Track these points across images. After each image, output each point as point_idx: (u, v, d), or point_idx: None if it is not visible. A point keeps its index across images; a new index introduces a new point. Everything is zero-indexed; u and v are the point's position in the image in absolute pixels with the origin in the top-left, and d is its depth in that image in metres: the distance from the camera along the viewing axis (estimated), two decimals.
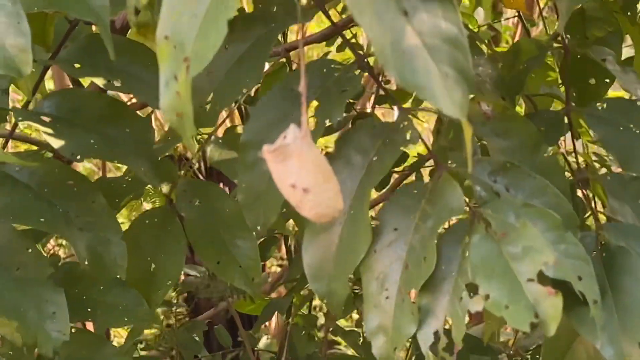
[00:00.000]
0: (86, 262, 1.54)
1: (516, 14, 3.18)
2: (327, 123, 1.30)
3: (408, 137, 1.29)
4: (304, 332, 2.77)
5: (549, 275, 1.15)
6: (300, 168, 1.01)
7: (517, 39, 3.51)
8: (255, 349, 3.09)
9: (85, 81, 1.96)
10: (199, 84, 1.41)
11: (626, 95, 1.70)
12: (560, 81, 1.96)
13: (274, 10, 1.41)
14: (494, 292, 1.15)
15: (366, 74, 1.38)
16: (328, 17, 1.38)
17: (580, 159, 1.57)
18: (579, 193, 1.54)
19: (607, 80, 1.87)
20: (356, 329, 3.15)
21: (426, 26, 0.99)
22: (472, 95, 1.39)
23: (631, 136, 1.47)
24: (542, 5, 2.91)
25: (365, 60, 1.35)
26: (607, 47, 1.81)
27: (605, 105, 1.50)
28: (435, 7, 1.00)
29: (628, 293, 1.29)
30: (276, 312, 3.02)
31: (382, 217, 1.29)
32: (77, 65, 1.60)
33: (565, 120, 1.56)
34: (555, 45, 1.75)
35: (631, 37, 1.97)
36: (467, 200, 1.25)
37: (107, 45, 1.20)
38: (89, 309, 1.64)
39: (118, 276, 1.58)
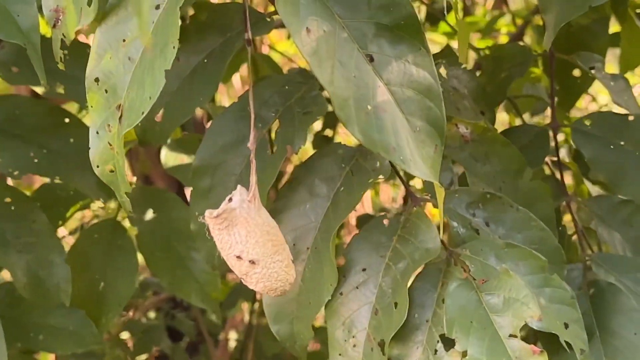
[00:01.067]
0: (25, 288, 1.42)
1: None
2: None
3: (378, 165, 1.16)
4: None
5: (534, 327, 1.04)
6: (247, 237, 0.90)
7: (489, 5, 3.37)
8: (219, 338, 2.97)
9: None
10: None
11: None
12: (543, 72, 1.84)
13: (230, 18, 1.27)
14: (472, 348, 1.05)
15: None
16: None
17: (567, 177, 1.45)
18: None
19: (593, 72, 1.75)
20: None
21: (395, 74, 0.88)
22: (448, 116, 1.28)
23: (622, 155, 1.35)
24: None
25: None
26: (592, 35, 1.70)
27: (593, 121, 1.37)
28: (405, 50, 0.89)
29: (618, 335, 1.20)
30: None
31: (350, 254, 1.17)
32: (14, 70, 1.46)
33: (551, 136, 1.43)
34: (539, 52, 1.61)
35: (620, 23, 1.85)
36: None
37: (37, 70, 1.07)
38: (31, 334, 1.51)
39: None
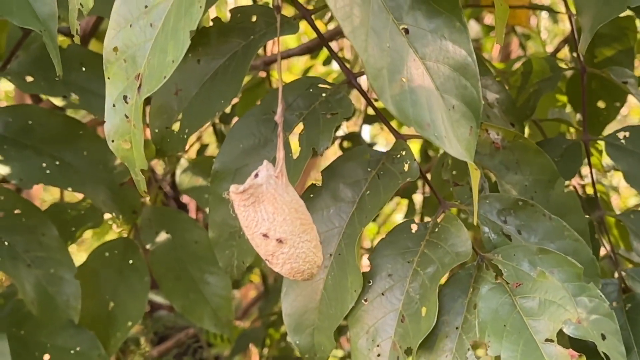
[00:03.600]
0: (34, 304, 1.36)
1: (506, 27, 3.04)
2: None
3: (406, 168, 1.11)
4: None
5: (569, 334, 0.99)
6: (274, 214, 0.84)
7: (496, 54, 3.35)
8: None
9: None
10: (166, 103, 1.25)
11: None
12: (569, 102, 1.80)
13: (254, 20, 1.23)
14: (505, 353, 0.99)
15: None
16: (314, 27, 1.20)
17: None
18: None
19: (617, 104, 1.71)
20: None
21: (431, 48, 0.83)
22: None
23: None
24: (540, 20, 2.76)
25: (355, 77, 1.18)
26: (618, 65, 1.66)
27: (627, 134, 1.33)
28: (441, 25, 0.84)
29: None
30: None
31: (375, 260, 1.11)
32: (29, 79, 1.42)
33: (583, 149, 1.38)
34: (568, 66, 1.58)
35: None
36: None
37: (54, 59, 1.03)
38: (37, 353, 1.45)
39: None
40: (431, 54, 0.84)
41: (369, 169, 1.14)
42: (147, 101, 0.87)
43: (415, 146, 2.59)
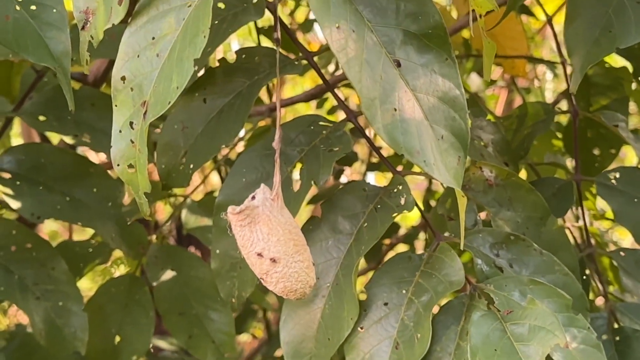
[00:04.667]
0: (42, 335, 1.40)
1: (507, 80, 3.09)
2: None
3: (402, 202, 1.15)
4: None
5: (557, 359, 1.01)
6: (269, 234, 0.89)
7: (501, 107, 3.39)
8: None
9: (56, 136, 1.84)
10: (172, 140, 1.29)
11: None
12: (564, 150, 1.84)
13: (258, 61, 1.28)
14: None
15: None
16: (316, 68, 1.25)
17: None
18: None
19: (613, 151, 1.76)
20: None
21: (421, 81, 0.88)
22: (472, 159, 1.28)
23: None
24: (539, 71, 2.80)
25: (355, 116, 1.22)
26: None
27: (618, 175, 1.37)
28: (431, 60, 0.89)
29: None
30: None
31: (371, 290, 1.15)
32: (41, 118, 1.48)
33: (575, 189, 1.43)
34: (562, 109, 1.63)
35: (635, 103, 1.86)
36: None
37: (66, 94, 1.07)
38: None
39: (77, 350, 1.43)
40: (422, 86, 0.89)
41: (367, 203, 1.18)
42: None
43: (417, 195, 2.64)
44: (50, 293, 1.43)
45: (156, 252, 1.64)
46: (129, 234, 1.52)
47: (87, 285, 2.82)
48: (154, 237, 1.73)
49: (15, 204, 1.42)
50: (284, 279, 0.90)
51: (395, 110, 0.87)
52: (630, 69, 1.72)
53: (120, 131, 0.90)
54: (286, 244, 0.90)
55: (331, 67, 2.65)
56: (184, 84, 0.84)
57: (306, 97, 1.90)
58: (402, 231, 2.77)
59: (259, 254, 0.89)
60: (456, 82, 0.90)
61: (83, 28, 0.93)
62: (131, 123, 0.88)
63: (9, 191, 1.43)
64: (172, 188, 1.35)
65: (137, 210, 1.69)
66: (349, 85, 1.98)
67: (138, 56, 0.89)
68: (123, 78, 0.89)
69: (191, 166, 1.29)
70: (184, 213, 1.76)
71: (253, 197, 0.91)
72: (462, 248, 1.08)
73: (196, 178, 3.19)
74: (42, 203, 1.43)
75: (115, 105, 0.90)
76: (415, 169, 1.96)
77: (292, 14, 2.86)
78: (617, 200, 1.36)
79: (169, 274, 1.62)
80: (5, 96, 1.57)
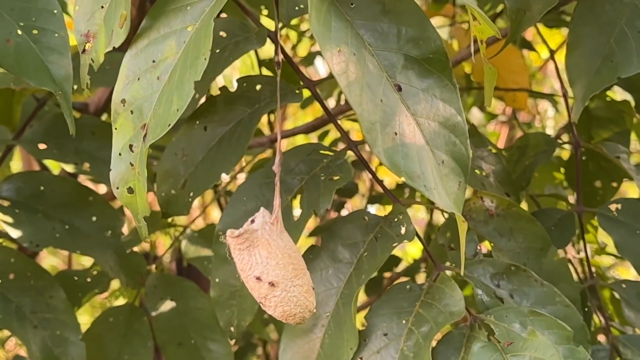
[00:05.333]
0: None
1: (509, 116, 3.09)
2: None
3: (403, 231, 1.15)
4: None
5: None
6: (267, 258, 0.89)
7: (502, 144, 3.39)
8: None
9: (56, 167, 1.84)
10: (173, 168, 1.30)
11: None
12: (565, 183, 1.84)
13: (259, 89, 1.28)
14: None
15: None
16: (317, 97, 1.25)
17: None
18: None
19: (614, 184, 1.75)
20: None
21: (422, 106, 0.88)
22: (473, 189, 1.28)
23: None
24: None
25: (356, 145, 1.22)
26: None
27: (620, 207, 1.37)
28: (432, 85, 0.89)
29: None
30: None
31: (371, 320, 1.14)
32: (41, 146, 1.47)
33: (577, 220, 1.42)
34: (564, 140, 1.63)
35: (638, 136, 1.86)
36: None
37: (67, 118, 1.07)
38: None
39: None
40: (422, 111, 0.88)
41: (368, 232, 1.17)
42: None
43: (418, 230, 2.63)
44: (48, 322, 1.42)
45: (155, 282, 1.64)
46: (128, 263, 1.52)
47: (86, 320, 2.81)
48: (153, 267, 1.72)
49: (14, 232, 1.42)
50: (283, 303, 0.90)
51: (396, 134, 0.86)
52: (632, 102, 1.72)
53: (119, 154, 0.89)
54: (285, 268, 0.89)
55: (331, 102, 2.65)
56: (185, 106, 0.83)
57: (307, 129, 1.90)
58: (404, 265, 2.76)
59: (258, 278, 0.89)
60: (457, 107, 0.90)
61: (84, 51, 0.93)
62: (131, 146, 0.88)
63: (8, 219, 1.43)
64: (172, 216, 1.35)
65: (136, 241, 1.70)
66: (350, 116, 1.98)
67: (138, 79, 0.89)
68: (123, 101, 0.89)
69: (191, 194, 1.29)
70: (184, 243, 1.75)
71: (252, 221, 0.91)
72: (462, 273, 1.07)
73: (196, 209, 3.19)
74: (41, 231, 1.43)
75: (115, 128, 0.90)
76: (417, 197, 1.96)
77: (294, 47, 2.87)
78: (618, 232, 1.35)
79: (168, 304, 1.61)
80: (6, 125, 1.56)
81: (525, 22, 1.16)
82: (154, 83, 0.88)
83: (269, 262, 0.89)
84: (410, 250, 3.77)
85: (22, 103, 1.61)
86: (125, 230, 1.54)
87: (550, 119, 3.38)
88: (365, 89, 0.85)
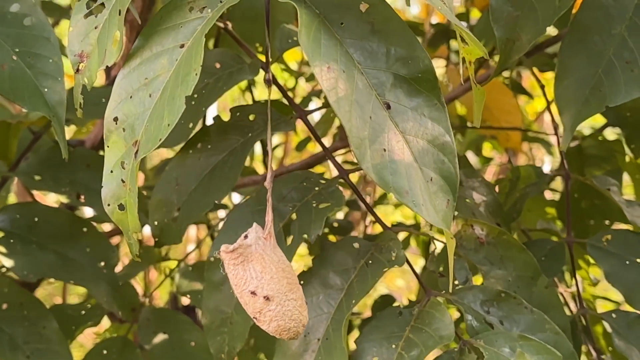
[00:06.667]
0: None
1: (504, 165, 3.11)
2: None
3: (393, 257, 1.16)
4: None
5: None
6: (262, 273, 0.89)
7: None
8: None
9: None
10: (166, 197, 1.31)
11: None
12: (559, 222, 1.85)
13: (252, 119, 1.30)
14: None
15: None
16: (310, 127, 1.26)
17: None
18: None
19: (607, 222, 1.76)
20: None
21: (411, 124, 0.89)
22: (464, 218, 1.29)
23: (638, 272, 1.34)
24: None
25: (347, 173, 1.23)
26: None
27: (610, 237, 1.37)
28: (421, 104, 0.90)
29: None
30: None
31: (361, 345, 1.15)
32: (37, 178, 1.49)
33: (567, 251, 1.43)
34: (554, 172, 1.64)
35: (630, 175, 1.88)
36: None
37: (60, 142, 1.09)
38: None
39: None
40: (411, 129, 0.89)
41: (359, 258, 1.18)
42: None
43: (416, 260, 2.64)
44: (40, 352, 1.42)
45: (149, 315, 1.64)
46: (121, 295, 1.52)
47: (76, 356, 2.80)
48: (146, 300, 1.73)
49: (8, 262, 1.42)
50: (278, 318, 0.90)
51: (385, 150, 0.87)
52: (623, 139, 1.73)
53: (111, 171, 0.90)
54: (280, 282, 0.90)
55: (326, 141, 2.67)
56: (175, 121, 0.84)
57: (302, 166, 1.91)
58: None
59: (253, 292, 0.89)
60: (445, 126, 0.91)
61: (77, 71, 0.95)
62: (122, 163, 0.89)
63: (2, 249, 1.43)
64: (166, 245, 1.35)
65: (130, 274, 1.70)
66: (345, 154, 1.99)
67: (131, 97, 0.90)
68: (115, 119, 0.90)
69: (184, 223, 1.30)
70: (177, 277, 1.76)
71: (246, 236, 0.91)
72: (450, 290, 1.08)
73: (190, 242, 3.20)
74: (35, 262, 1.43)
75: (107, 146, 0.91)
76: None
77: (290, 90, 2.89)
78: (608, 262, 1.36)
79: (160, 337, 1.61)
80: (3, 159, 1.57)
81: (515, 51, 1.17)
82: (146, 101, 0.88)
83: (264, 277, 0.89)
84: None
85: (18, 137, 1.62)
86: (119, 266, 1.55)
87: (547, 164, 3.39)
88: (354, 105, 0.86)
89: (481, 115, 0.99)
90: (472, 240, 1.24)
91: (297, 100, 2.81)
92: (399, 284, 4.92)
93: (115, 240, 2.19)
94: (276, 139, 3.18)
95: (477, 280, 1.26)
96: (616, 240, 1.38)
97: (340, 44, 0.89)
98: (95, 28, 0.94)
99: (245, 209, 1.24)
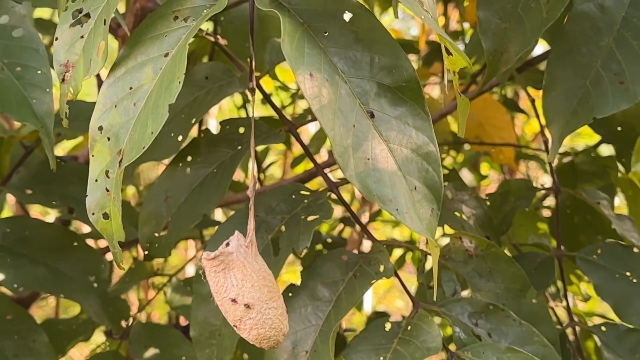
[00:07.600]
0: None
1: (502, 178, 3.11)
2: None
3: (381, 269, 1.16)
4: None
5: None
6: (243, 280, 0.89)
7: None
8: None
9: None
10: (155, 210, 1.31)
11: None
12: (550, 233, 1.85)
13: (242, 132, 1.30)
14: None
15: None
16: (299, 140, 1.27)
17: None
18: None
19: (599, 237, 1.76)
20: None
21: (395, 133, 0.89)
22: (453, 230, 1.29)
23: (627, 285, 1.35)
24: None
25: (337, 186, 1.23)
26: None
27: (599, 251, 1.38)
28: (405, 113, 0.90)
29: None
30: None
31: (349, 356, 1.15)
32: (28, 191, 1.49)
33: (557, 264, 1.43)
34: (544, 186, 1.64)
35: (623, 191, 1.88)
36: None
37: (48, 153, 1.09)
38: None
39: None
40: (395, 138, 0.89)
41: (347, 270, 1.18)
42: None
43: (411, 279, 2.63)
44: None
45: (140, 330, 1.64)
46: (112, 309, 1.52)
47: None
48: (140, 316, 1.73)
49: None
50: (258, 326, 0.90)
51: (369, 159, 0.87)
52: (614, 153, 1.74)
53: (96, 180, 0.90)
54: (260, 290, 0.89)
55: (321, 157, 2.67)
56: (159, 129, 0.84)
57: (295, 182, 1.91)
58: None
59: (233, 300, 0.89)
60: (429, 135, 0.91)
61: (63, 81, 0.95)
62: (107, 172, 0.89)
63: None
64: (155, 258, 1.35)
65: (122, 289, 1.70)
66: (338, 169, 1.99)
67: (116, 106, 0.90)
68: (100, 128, 0.90)
69: (173, 235, 1.30)
70: (169, 292, 1.76)
71: (227, 244, 0.91)
72: (435, 298, 1.07)
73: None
74: (25, 275, 1.43)
75: (92, 155, 0.91)
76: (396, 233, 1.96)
77: (284, 108, 2.89)
78: (598, 275, 1.36)
79: (152, 352, 1.61)
80: None
81: (503, 63, 1.18)
82: (130, 110, 0.89)
83: (245, 284, 0.89)
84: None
85: (10, 152, 1.63)
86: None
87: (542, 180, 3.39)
88: (337, 113, 0.86)
89: (465, 125, 0.99)
90: (460, 253, 1.24)
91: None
92: (398, 304, 4.91)
93: (110, 255, 2.19)
94: (273, 156, 3.18)
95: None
96: (606, 254, 1.38)
97: (324, 53, 0.89)
98: (81, 37, 0.94)
99: (234, 220, 1.24)
